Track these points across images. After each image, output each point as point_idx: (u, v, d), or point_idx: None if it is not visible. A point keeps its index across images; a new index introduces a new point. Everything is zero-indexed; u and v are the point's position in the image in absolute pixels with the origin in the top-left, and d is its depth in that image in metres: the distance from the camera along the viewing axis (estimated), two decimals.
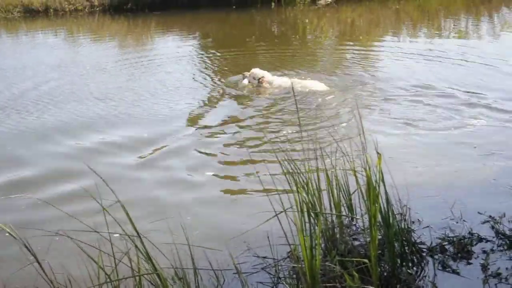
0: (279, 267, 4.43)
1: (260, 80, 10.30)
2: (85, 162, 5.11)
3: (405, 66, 12.41)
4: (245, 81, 10.53)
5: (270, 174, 4.65)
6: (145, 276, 3.89)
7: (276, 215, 3.89)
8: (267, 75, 10.43)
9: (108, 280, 3.89)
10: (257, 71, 10.46)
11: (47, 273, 4.13)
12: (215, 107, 9.83)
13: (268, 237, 4.44)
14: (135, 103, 10.15)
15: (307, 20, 21.06)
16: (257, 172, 6.44)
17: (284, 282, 4.23)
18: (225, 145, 7.79)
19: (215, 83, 11.47)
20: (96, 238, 3.96)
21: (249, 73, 10.54)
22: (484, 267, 4.33)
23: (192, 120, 9.03)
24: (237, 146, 7.75)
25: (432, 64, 12.34)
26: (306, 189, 4.31)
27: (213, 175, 6.75)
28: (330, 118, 8.42)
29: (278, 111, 9.17)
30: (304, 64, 13.12)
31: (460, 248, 4.61)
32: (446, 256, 4.53)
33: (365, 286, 3.82)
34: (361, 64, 12.76)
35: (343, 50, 15.28)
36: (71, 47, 17.79)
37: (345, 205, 4.91)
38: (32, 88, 11.60)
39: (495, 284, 4.15)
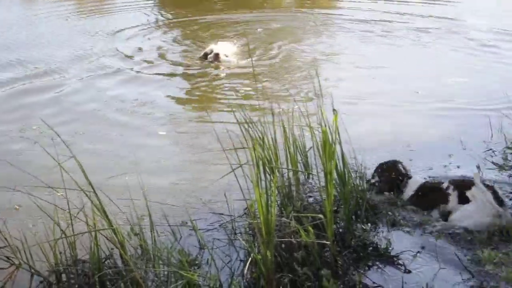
0: (236, 224, 4.46)
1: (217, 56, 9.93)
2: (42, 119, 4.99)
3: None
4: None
5: (228, 130, 4.61)
6: (101, 232, 3.86)
7: (233, 170, 3.89)
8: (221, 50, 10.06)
9: (63, 235, 3.87)
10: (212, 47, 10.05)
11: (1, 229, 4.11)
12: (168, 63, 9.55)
13: (224, 193, 4.44)
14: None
15: None
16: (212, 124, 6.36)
17: (240, 239, 4.25)
18: (179, 103, 7.72)
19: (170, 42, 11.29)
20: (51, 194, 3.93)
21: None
22: None
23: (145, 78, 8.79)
24: (192, 103, 7.69)
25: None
26: (262, 144, 4.30)
27: (167, 132, 6.66)
28: (288, 71, 8.44)
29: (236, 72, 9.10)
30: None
31: None
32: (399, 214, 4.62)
33: (320, 241, 3.87)
34: (322, 16, 12.85)
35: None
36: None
37: (301, 162, 4.94)
38: None
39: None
